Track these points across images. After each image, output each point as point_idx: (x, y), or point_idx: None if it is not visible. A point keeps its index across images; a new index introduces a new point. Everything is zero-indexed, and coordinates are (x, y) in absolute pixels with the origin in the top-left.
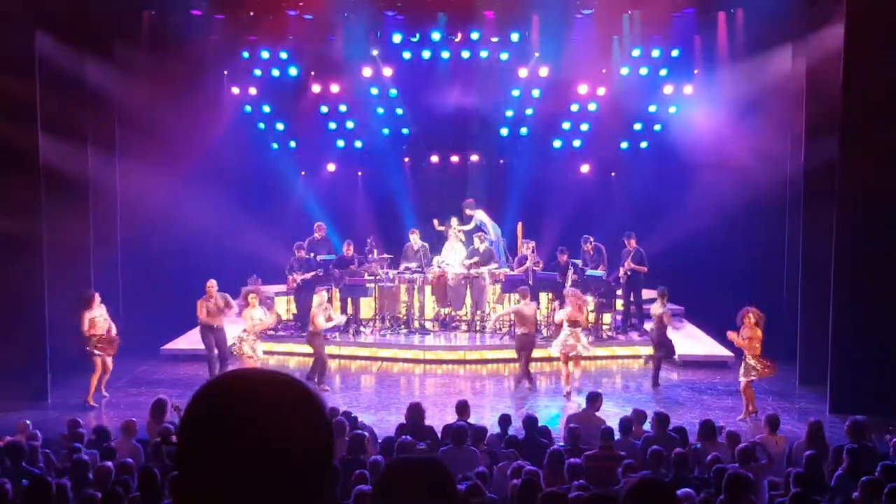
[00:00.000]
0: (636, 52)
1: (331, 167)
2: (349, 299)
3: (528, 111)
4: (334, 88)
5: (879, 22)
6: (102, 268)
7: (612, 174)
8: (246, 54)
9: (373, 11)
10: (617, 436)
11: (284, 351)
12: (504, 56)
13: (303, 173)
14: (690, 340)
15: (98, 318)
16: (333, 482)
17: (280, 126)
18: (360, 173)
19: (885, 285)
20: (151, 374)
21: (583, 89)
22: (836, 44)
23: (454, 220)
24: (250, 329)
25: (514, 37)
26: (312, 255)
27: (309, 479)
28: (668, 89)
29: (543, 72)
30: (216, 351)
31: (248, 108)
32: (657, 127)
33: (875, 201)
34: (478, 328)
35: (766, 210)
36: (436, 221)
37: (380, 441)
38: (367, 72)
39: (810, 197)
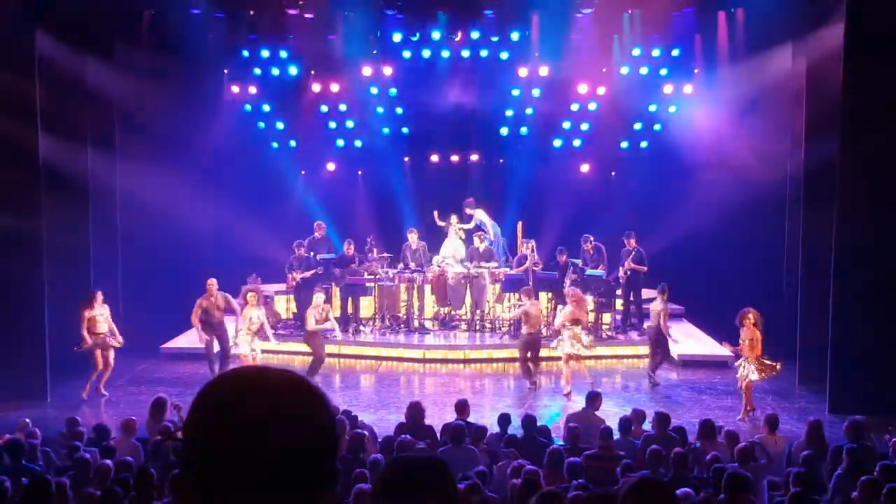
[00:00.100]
0: (636, 52)
1: (331, 166)
2: (349, 298)
3: (528, 110)
4: (334, 87)
5: (879, 21)
6: (102, 267)
7: (612, 174)
8: (246, 53)
9: (373, 10)
10: (616, 435)
11: (284, 350)
12: (504, 55)
13: (303, 172)
14: (690, 340)
15: (98, 317)
16: (336, 481)
17: (280, 125)
18: (360, 172)
19: (885, 285)
20: (151, 372)
21: (583, 89)
22: (837, 43)
23: (454, 218)
24: (248, 328)
25: (515, 36)
26: (312, 254)
27: (313, 478)
28: (668, 89)
29: (543, 71)
30: (216, 349)
31: (248, 107)
32: (657, 126)
33: (875, 201)
34: (477, 327)
35: (766, 210)
36: (436, 213)
37: (379, 440)
38: (367, 71)
39: (810, 196)
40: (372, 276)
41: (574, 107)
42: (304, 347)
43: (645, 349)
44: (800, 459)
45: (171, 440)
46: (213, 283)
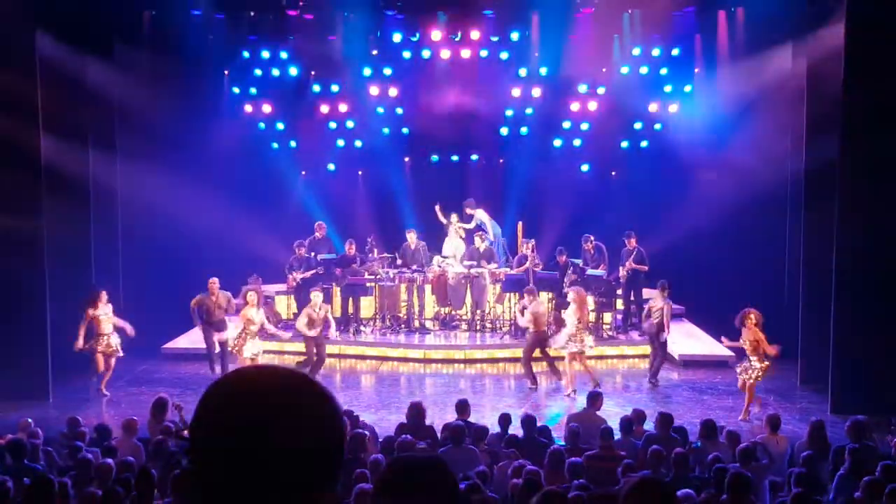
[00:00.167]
0: (636, 51)
1: (331, 167)
2: (350, 298)
3: (529, 110)
4: (335, 88)
5: (880, 21)
6: (103, 267)
7: (613, 173)
8: (246, 54)
9: (373, 11)
10: (617, 435)
11: (286, 350)
12: (504, 55)
13: (303, 173)
14: (691, 340)
15: (102, 316)
16: (338, 481)
17: (280, 125)
18: (360, 173)
19: (886, 284)
20: (152, 372)
21: (583, 88)
22: (837, 43)
23: (454, 217)
24: (247, 328)
25: (515, 36)
26: (313, 254)
27: (315, 478)
28: (668, 88)
29: (543, 71)
30: (217, 348)
31: (249, 108)
32: (657, 126)
33: (876, 201)
34: (478, 327)
35: (766, 209)
36: (438, 207)
37: (380, 440)
38: (367, 71)
39: (811, 196)
40: (372, 277)
41: (574, 106)
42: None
43: (645, 349)
44: (800, 460)
45: (178, 438)
46: (214, 282)
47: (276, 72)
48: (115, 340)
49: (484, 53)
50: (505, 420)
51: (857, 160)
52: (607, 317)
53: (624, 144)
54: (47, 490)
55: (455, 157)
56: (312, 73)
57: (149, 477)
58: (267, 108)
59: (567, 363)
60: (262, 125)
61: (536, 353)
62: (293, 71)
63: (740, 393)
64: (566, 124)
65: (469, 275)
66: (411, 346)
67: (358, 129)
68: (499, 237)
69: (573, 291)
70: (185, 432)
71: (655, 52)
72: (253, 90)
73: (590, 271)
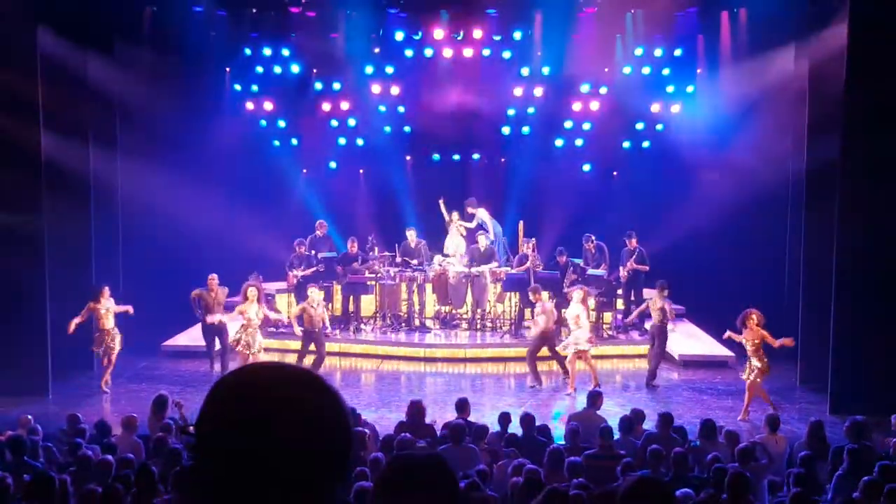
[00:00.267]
0: (639, 51)
1: (332, 165)
2: (350, 297)
3: (531, 110)
4: (336, 86)
5: (882, 22)
6: (103, 264)
7: (615, 173)
8: (248, 51)
9: (375, 9)
10: (617, 435)
11: (288, 349)
12: (506, 54)
13: (304, 171)
14: (691, 340)
15: (103, 311)
16: (344, 479)
17: (282, 123)
18: (361, 171)
19: (886, 285)
20: (152, 370)
21: (585, 88)
22: (839, 44)
23: (455, 215)
24: (247, 324)
25: (517, 35)
26: (314, 252)
27: (317, 476)
28: (670, 88)
29: (546, 70)
30: (216, 345)
31: (250, 106)
32: (659, 126)
33: (876, 201)
34: (478, 326)
35: (767, 210)
36: (442, 202)
37: (380, 439)
38: (369, 69)
39: (812, 197)
40: (373, 275)
41: (576, 106)
42: (311, 346)
43: (645, 349)
44: (799, 460)
45: (184, 434)
46: (214, 278)
47: (277, 69)
48: (116, 334)
49: (486, 52)
50: (505, 419)
51: (858, 160)
52: (607, 316)
53: (626, 144)
54: (48, 487)
55: (457, 156)
56: (314, 70)
57: (149, 474)
58: (268, 106)
59: (569, 363)
60: (263, 123)
61: (543, 351)
62: (295, 68)
63: (741, 393)
64: (568, 124)
65: (470, 274)
66: (412, 344)
67: (359, 128)
68: (500, 236)
69: (580, 290)
70: (192, 428)
71: (658, 52)
72: (254, 87)
73: (590, 271)
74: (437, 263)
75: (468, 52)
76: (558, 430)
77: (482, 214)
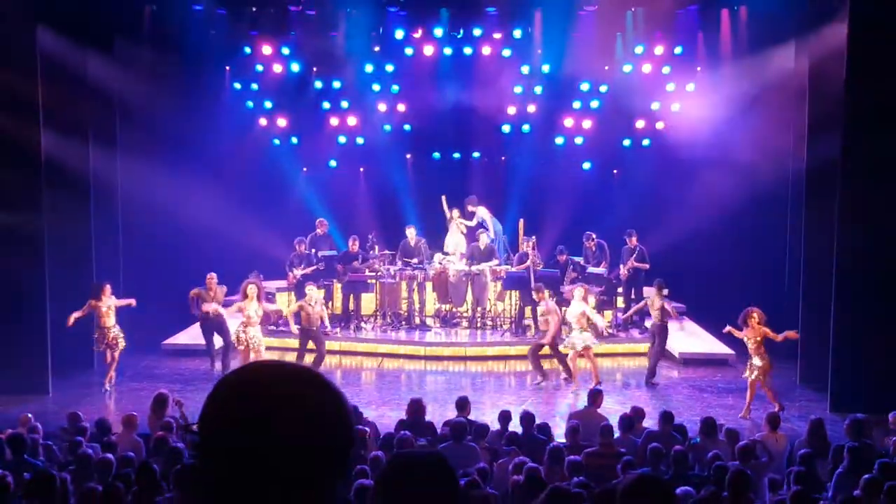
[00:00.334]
0: (639, 49)
1: (332, 163)
2: (351, 295)
3: (531, 108)
4: (336, 84)
5: (882, 20)
6: (104, 263)
7: (615, 171)
8: (248, 50)
9: (375, 7)
10: (616, 433)
11: (290, 346)
12: (506, 52)
13: (304, 169)
14: (691, 338)
15: (104, 308)
16: (345, 477)
17: (282, 122)
18: (361, 169)
19: (886, 283)
20: (152, 368)
21: (585, 86)
22: (839, 41)
23: (456, 212)
24: (247, 322)
25: (517, 33)
26: (314, 250)
27: (318, 474)
28: (670, 86)
29: (546, 68)
30: (218, 344)
31: (250, 104)
32: (659, 124)
33: (877, 199)
34: (479, 325)
35: (768, 208)
36: (444, 198)
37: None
38: (369, 68)
39: (812, 195)
40: (373, 273)
41: (576, 104)
42: (309, 344)
43: (645, 346)
44: (799, 458)
45: (187, 432)
46: (212, 277)
47: (277, 68)
48: (118, 332)
49: (486, 51)
50: (505, 417)
51: (859, 159)
52: (608, 315)
53: (626, 143)
54: (48, 485)
55: (457, 155)
56: (314, 69)
57: (151, 472)
58: (268, 105)
59: (572, 360)
60: (263, 121)
61: (545, 349)
62: (295, 67)
63: (741, 391)
64: (568, 122)
65: (470, 272)
66: (412, 343)
67: (360, 126)
68: (500, 234)
69: (580, 287)
70: (195, 427)
71: (658, 50)
72: (254, 86)
73: (590, 269)
74: (438, 262)
75: (468, 51)
76: (560, 429)
77: (482, 213)
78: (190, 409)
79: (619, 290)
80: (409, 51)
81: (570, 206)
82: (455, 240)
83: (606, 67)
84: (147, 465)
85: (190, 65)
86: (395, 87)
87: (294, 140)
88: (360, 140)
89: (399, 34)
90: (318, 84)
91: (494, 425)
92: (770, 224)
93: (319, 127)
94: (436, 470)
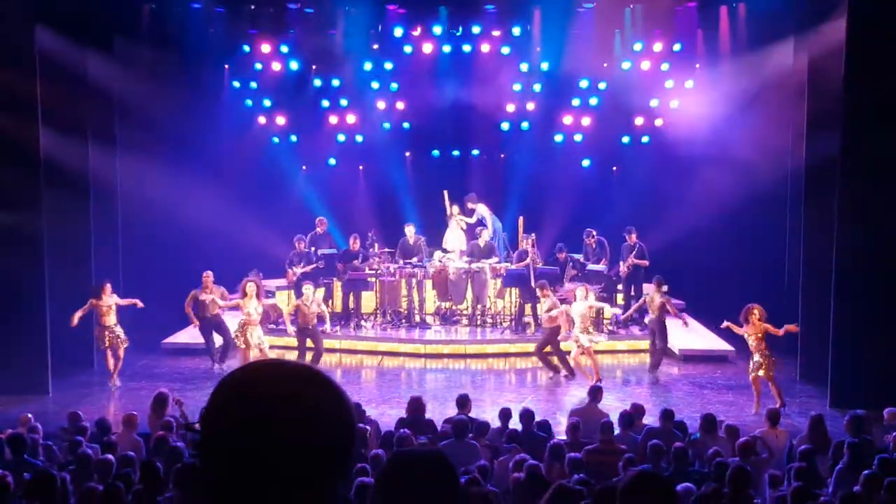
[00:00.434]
0: (638, 47)
1: (332, 161)
2: (351, 293)
3: (530, 105)
4: (335, 82)
5: (881, 17)
6: (103, 262)
7: (614, 168)
8: (246, 48)
9: (374, 5)
10: (616, 430)
11: (291, 346)
12: (505, 50)
13: (304, 167)
14: (691, 335)
15: (104, 307)
16: (346, 476)
17: (281, 120)
18: (361, 167)
19: (885, 280)
20: (152, 367)
21: (584, 83)
22: (838, 38)
23: (455, 208)
24: (247, 320)
25: (516, 31)
26: (313, 249)
27: (318, 473)
28: (669, 84)
29: (545, 66)
30: (217, 343)
31: (249, 102)
32: (658, 121)
33: (876, 197)
34: (478, 322)
35: (767, 205)
36: (446, 193)
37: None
38: (368, 66)
39: (811, 192)
40: (373, 271)
41: (575, 102)
42: (308, 343)
43: (646, 344)
44: (799, 454)
45: (189, 431)
46: (208, 275)
47: (276, 66)
48: (119, 331)
49: (485, 48)
50: (505, 415)
51: (858, 157)
52: (608, 312)
53: (625, 140)
54: (49, 485)
55: (456, 152)
56: (313, 67)
57: (154, 471)
58: (267, 103)
59: (576, 356)
60: (262, 120)
61: (547, 347)
62: (294, 65)
63: (740, 388)
64: (567, 119)
65: (470, 270)
66: (412, 341)
67: (359, 124)
68: (499, 232)
69: (582, 287)
70: (197, 425)
71: (657, 47)
72: (253, 84)
73: (590, 266)
74: (437, 260)
75: (467, 48)
76: (561, 426)
77: (482, 210)
78: (190, 408)
79: (619, 287)
80: (408, 48)
81: (569, 203)
82: (454, 236)
83: (605, 65)
84: (151, 464)
85: (189, 63)
86: (394, 85)
87: (293, 138)
88: (359, 138)
89: (398, 32)
90: (317, 82)
91: (495, 423)
92: (769, 221)
93: (319, 125)
94: (436, 468)
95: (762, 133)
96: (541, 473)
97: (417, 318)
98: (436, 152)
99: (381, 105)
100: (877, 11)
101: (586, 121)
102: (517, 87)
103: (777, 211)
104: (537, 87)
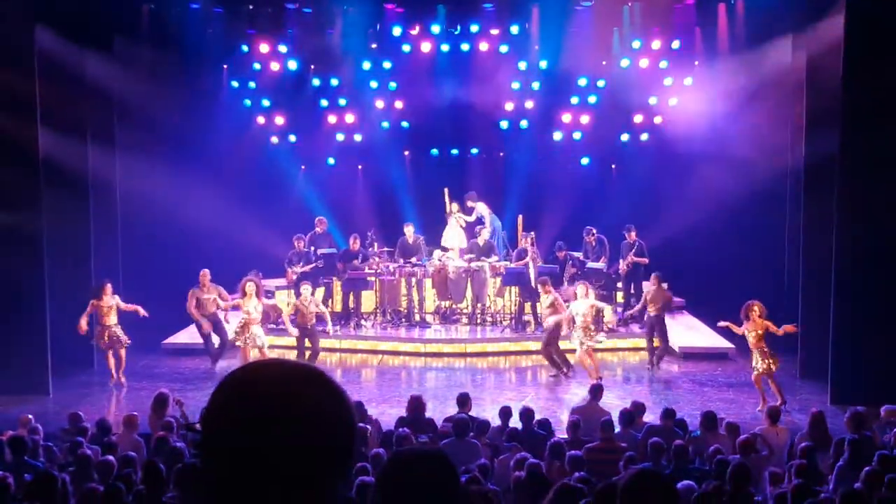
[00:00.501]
0: (636, 44)
1: (331, 161)
2: (351, 293)
3: (528, 104)
4: (334, 82)
5: (879, 14)
6: (103, 262)
7: (613, 166)
8: (245, 48)
9: (372, 4)
10: (617, 428)
11: (292, 345)
12: (504, 49)
13: (303, 167)
14: (691, 332)
15: (105, 308)
16: (346, 476)
17: (279, 120)
18: (360, 167)
19: (885, 277)
20: (152, 368)
21: (583, 82)
22: (836, 35)
23: (455, 206)
24: (247, 320)
25: (514, 29)
26: (313, 248)
27: (319, 473)
28: (668, 81)
29: (543, 64)
30: (215, 342)
31: (248, 102)
32: (657, 119)
33: (875, 193)
34: (478, 321)
35: (766, 202)
36: (447, 191)
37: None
38: (366, 65)
39: (811, 189)
40: (373, 271)
41: (574, 100)
42: (306, 342)
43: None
44: (800, 451)
45: (190, 430)
46: (206, 273)
47: (275, 66)
48: (119, 331)
49: (483, 47)
50: (505, 413)
51: (857, 154)
52: (608, 310)
53: (624, 138)
54: (50, 486)
55: (455, 151)
56: (312, 66)
57: (157, 471)
58: (266, 103)
59: (580, 355)
60: (261, 119)
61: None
62: (292, 65)
63: (741, 385)
64: (566, 118)
65: (469, 268)
66: (412, 340)
67: (357, 123)
68: (498, 231)
69: (582, 285)
70: (198, 426)
71: (655, 44)
72: (252, 84)
73: (590, 264)
74: (437, 259)
75: (465, 47)
76: (562, 424)
77: (481, 209)
78: (190, 408)
79: (619, 285)
80: (406, 48)
81: (568, 201)
82: (453, 234)
83: (604, 63)
84: (154, 465)
85: (188, 64)
86: (393, 84)
87: (292, 138)
88: (357, 137)
89: (396, 31)
90: (316, 82)
91: (495, 421)
92: (769, 217)
93: (317, 125)
94: (436, 467)
95: (761, 130)
96: (541, 472)
97: (417, 318)
98: (435, 151)
99: (379, 104)
100: (874, 8)
101: (585, 119)
102: (516, 85)
103: (776, 208)
104: (536, 86)
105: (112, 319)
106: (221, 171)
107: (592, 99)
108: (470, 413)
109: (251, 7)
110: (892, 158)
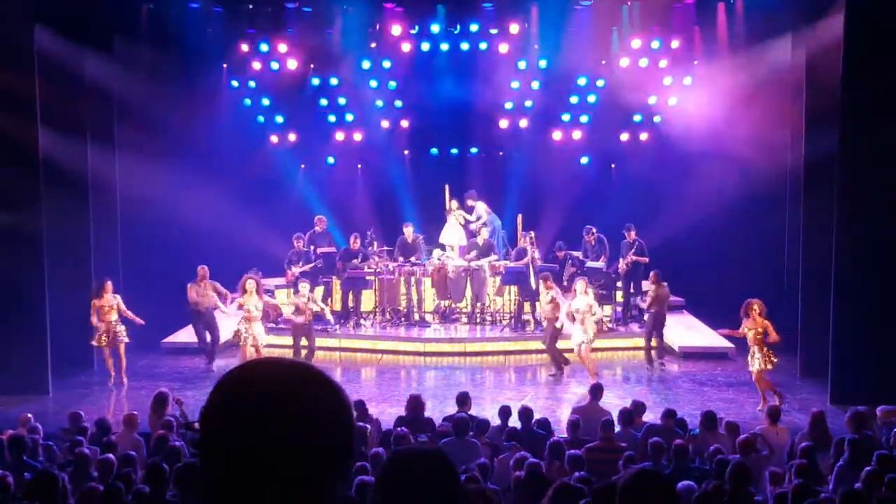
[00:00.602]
0: (636, 44)
1: (330, 160)
2: (350, 292)
3: (528, 103)
4: (333, 81)
5: (878, 12)
6: (102, 261)
7: (612, 166)
8: (245, 47)
9: (371, 3)
10: (617, 427)
11: (282, 344)
12: (503, 48)
13: (302, 166)
14: (691, 332)
15: (107, 306)
16: (345, 475)
17: (279, 119)
18: (359, 166)
19: (885, 277)
20: (152, 367)
21: (582, 81)
22: (836, 34)
23: (455, 203)
24: (247, 318)
25: (514, 29)
26: (312, 247)
27: (317, 473)
28: (667, 80)
29: (543, 63)
30: (207, 338)
31: (248, 102)
32: (657, 118)
33: (875, 192)
34: (478, 320)
35: (766, 201)
36: (447, 188)
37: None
38: (366, 64)
39: (810, 188)
40: (372, 270)
41: (573, 99)
42: (303, 341)
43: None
44: (800, 451)
45: (190, 430)
46: (204, 268)
47: (274, 65)
48: (119, 329)
49: (483, 46)
50: (505, 413)
51: (857, 153)
52: (608, 309)
53: (623, 137)
54: (50, 485)
55: (454, 150)
56: (311, 66)
57: (160, 472)
58: (266, 102)
59: (579, 353)
60: (260, 119)
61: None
62: (292, 64)
63: (741, 385)
64: (565, 117)
65: (469, 268)
66: (411, 339)
67: (357, 123)
68: (498, 230)
69: (581, 281)
70: (197, 424)
71: (655, 44)
72: (252, 83)
73: (589, 263)
74: (436, 258)
75: (465, 46)
76: (562, 423)
77: (480, 208)
78: (190, 407)
79: (619, 284)
80: (405, 47)
81: (568, 200)
82: (452, 231)
83: (603, 62)
84: (157, 465)
85: (187, 63)
86: (393, 84)
87: (292, 137)
88: (357, 136)
89: (396, 30)
90: (316, 81)
91: (495, 421)
92: (768, 216)
93: (317, 124)
94: (436, 466)
95: (760, 129)
96: (541, 471)
97: (417, 317)
98: (434, 150)
99: (379, 103)
100: (874, 7)
101: (584, 118)
102: (515, 84)
103: (776, 207)
104: (535, 85)
105: (113, 317)
106: (221, 170)
107: (592, 98)
108: (469, 412)
109: (251, 6)
110: (892, 158)
